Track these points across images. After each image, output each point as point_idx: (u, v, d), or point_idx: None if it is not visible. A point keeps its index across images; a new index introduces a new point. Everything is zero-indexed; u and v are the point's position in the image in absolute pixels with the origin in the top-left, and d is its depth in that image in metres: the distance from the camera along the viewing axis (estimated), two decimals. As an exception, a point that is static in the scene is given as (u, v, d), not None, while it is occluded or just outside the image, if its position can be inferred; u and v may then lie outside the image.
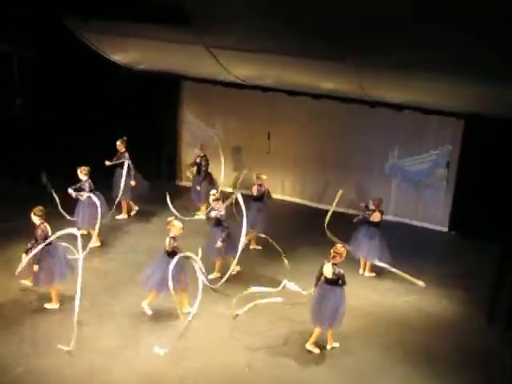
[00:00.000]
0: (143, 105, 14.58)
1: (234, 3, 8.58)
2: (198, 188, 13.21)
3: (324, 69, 9.82)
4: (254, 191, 11.85)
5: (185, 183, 15.33)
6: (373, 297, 10.39)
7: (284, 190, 14.81)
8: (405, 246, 11.87)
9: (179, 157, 15.42)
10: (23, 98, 13.45)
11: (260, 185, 11.79)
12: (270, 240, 11.34)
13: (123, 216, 12.93)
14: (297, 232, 12.68)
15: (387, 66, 8.72)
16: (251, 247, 11.94)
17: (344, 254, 8.57)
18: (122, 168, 12.55)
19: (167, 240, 9.25)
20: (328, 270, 8.54)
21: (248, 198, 11.76)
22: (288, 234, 12.36)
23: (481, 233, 12.70)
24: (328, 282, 8.61)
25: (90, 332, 8.82)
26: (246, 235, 10.96)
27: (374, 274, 11.14)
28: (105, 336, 8.78)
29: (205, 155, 13.29)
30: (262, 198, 11.85)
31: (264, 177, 11.83)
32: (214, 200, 10.52)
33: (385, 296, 10.47)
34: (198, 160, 13.32)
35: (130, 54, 12.32)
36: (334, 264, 8.51)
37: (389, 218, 13.55)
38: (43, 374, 7.91)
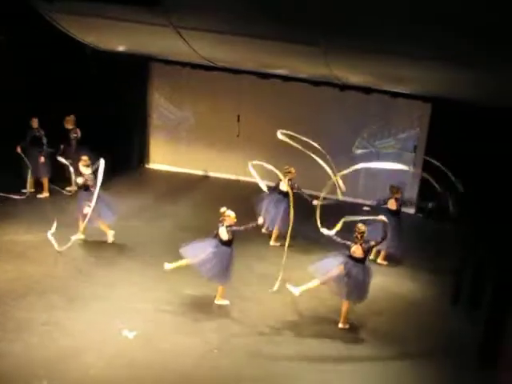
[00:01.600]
0: (111, 87, 14.43)
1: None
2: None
3: (294, 52, 9.85)
4: (284, 187, 11.38)
5: (154, 166, 15.31)
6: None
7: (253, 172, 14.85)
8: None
9: (148, 139, 15.35)
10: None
11: (290, 180, 11.35)
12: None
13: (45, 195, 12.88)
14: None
15: (357, 50, 8.79)
16: (271, 244, 11.73)
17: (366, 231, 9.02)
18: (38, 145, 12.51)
19: (222, 230, 9.23)
20: (358, 251, 8.95)
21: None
22: (256, 217, 12.41)
23: (446, 215, 12.91)
24: (357, 260, 9.00)
25: (60, 316, 8.79)
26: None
27: (385, 263, 11.28)
28: (74, 320, 8.75)
29: (73, 127, 13.02)
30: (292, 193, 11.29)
31: (293, 170, 11.40)
32: (83, 165, 10.72)
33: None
34: (74, 134, 13.05)
35: (97, 34, 12.18)
36: (361, 244, 8.93)
37: (358, 201, 13.77)
38: (13, 358, 7.86)
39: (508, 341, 7.71)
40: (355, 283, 8.99)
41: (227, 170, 14.99)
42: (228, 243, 9.31)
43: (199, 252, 9.31)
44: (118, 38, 12.22)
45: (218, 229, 9.30)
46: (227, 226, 9.22)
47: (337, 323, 9.23)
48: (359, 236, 8.96)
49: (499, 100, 10.08)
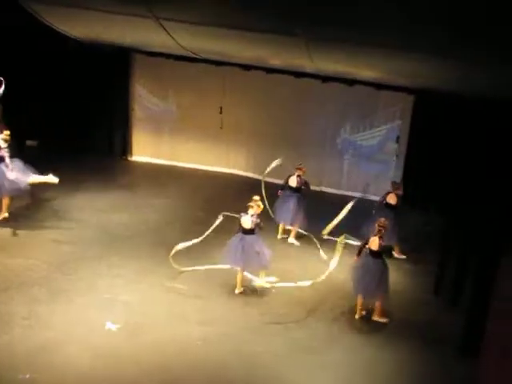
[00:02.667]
0: (93, 78, 14.32)
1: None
2: None
3: (275, 43, 9.82)
4: (293, 182, 11.38)
5: (137, 158, 15.23)
6: (324, 269, 10.54)
7: (237, 164, 14.84)
8: (356, 219, 11.99)
9: (131, 132, 15.24)
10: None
11: (299, 176, 11.36)
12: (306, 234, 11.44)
13: None
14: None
15: (336, 41, 8.78)
16: (290, 241, 11.61)
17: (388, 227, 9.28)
18: None
19: (246, 218, 9.42)
20: (375, 244, 9.04)
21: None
22: (240, 208, 12.40)
23: (429, 206, 13.01)
24: (373, 254, 9.12)
25: (42, 308, 8.74)
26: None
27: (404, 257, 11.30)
28: (57, 313, 8.70)
29: None
30: (301, 189, 11.43)
31: (304, 168, 11.46)
32: (3, 139, 10.72)
33: (335, 268, 10.62)
34: None
35: (79, 26, 12.05)
36: (380, 237, 9.02)
37: (341, 192, 13.85)
38: (-6, 352, 7.84)
39: (489, 329, 7.77)
40: (371, 278, 9.08)
41: (210, 162, 14.94)
42: (251, 231, 9.47)
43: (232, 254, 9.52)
44: (98, 29, 12.09)
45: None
46: (252, 215, 9.40)
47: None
48: (379, 229, 9.04)
49: (486, 92, 10.13)
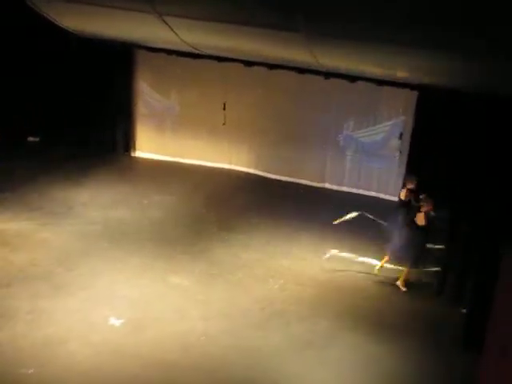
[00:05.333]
0: (96, 74, 14.31)
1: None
2: None
3: (277, 38, 9.79)
4: (403, 195, 10.49)
5: (140, 154, 15.23)
6: (326, 265, 10.57)
7: (239, 160, 14.83)
8: (359, 216, 11.99)
9: (134, 127, 15.23)
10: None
11: (409, 189, 10.41)
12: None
13: None
14: (251, 203, 12.74)
15: (338, 36, 8.75)
16: None
17: None
18: None
19: (420, 215, 9.72)
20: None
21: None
22: (242, 205, 12.43)
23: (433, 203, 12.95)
24: None
25: (45, 304, 8.75)
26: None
27: None
28: (60, 308, 8.72)
29: None
30: (410, 203, 10.39)
31: (416, 180, 10.49)
32: None
33: (338, 264, 10.65)
34: None
35: (81, 21, 12.02)
36: None
37: (344, 189, 13.82)
38: (-1, 347, 7.87)
39: (491, 327, 7.76)
40: None
41: (213, 159, 14.93)
42: (422, 228, 9.77)
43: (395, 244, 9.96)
44: (101, 25, 12.06)
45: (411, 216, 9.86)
46: (425, 212, 9.70)
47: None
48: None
49: (489, 88, 10.10)
